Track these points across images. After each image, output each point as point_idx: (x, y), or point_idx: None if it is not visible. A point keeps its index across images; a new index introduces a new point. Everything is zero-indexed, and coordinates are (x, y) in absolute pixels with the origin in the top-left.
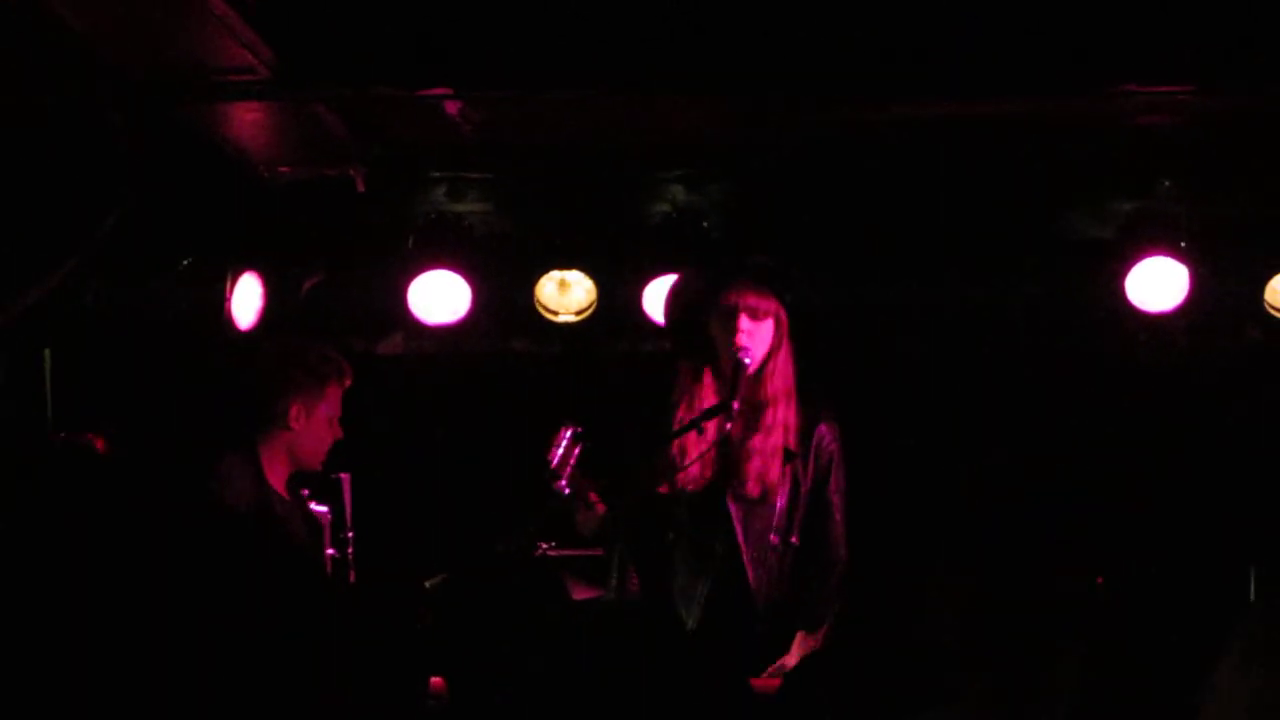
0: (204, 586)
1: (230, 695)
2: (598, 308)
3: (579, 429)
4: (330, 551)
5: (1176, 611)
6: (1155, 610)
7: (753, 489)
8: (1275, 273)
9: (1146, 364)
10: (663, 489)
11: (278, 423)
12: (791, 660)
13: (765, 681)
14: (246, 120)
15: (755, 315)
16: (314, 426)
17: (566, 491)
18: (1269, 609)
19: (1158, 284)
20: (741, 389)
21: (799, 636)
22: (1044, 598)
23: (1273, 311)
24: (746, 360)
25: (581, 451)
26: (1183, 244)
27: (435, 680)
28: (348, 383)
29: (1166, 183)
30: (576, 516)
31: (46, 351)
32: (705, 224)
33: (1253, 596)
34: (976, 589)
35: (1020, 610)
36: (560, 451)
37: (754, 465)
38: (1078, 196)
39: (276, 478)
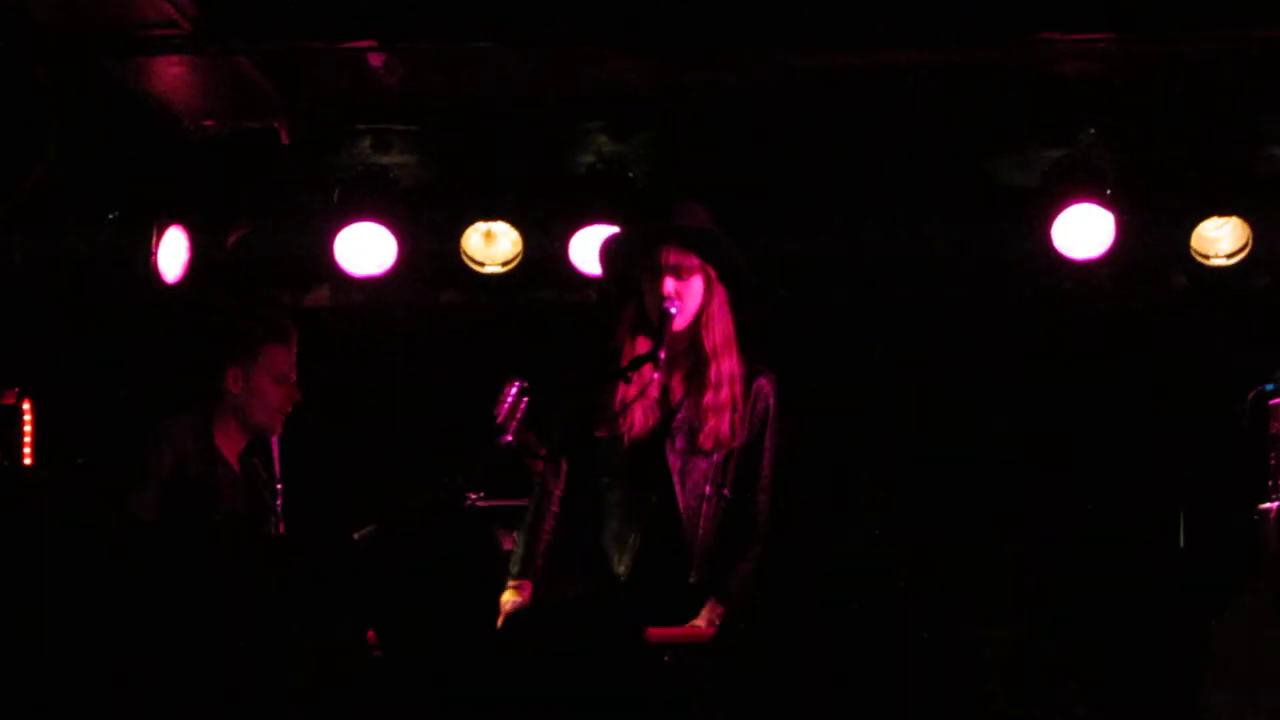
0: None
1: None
2: (524, 258)
3: (525, 384)
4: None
5: (1108, 562)
6: (1087, 560)
7: (706, 443)
8: (1201, 219)
9: (1073, 311)
10: (601, 433)
11: (218, 388)
12: (701, 623)
13: (677, 633)
14: (170, 74)
15: (680, 274)
16: (255, 389)
17: (513, 445)
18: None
19: (1083, 231)
20: (667, 339)
21: (709, 603)
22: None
23: (1198, 258)
24: (673, 310)
25: (527, 406)
26: (1108, 191)
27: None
28: (291, 341)
29: (1091, 130)
30: (531, 466)
31: None
32: (630, 174)
33: (1181, 542)
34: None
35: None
36: (506, 406)
37: (709, 424)
38: (1002, 144)
39: (229, 445)
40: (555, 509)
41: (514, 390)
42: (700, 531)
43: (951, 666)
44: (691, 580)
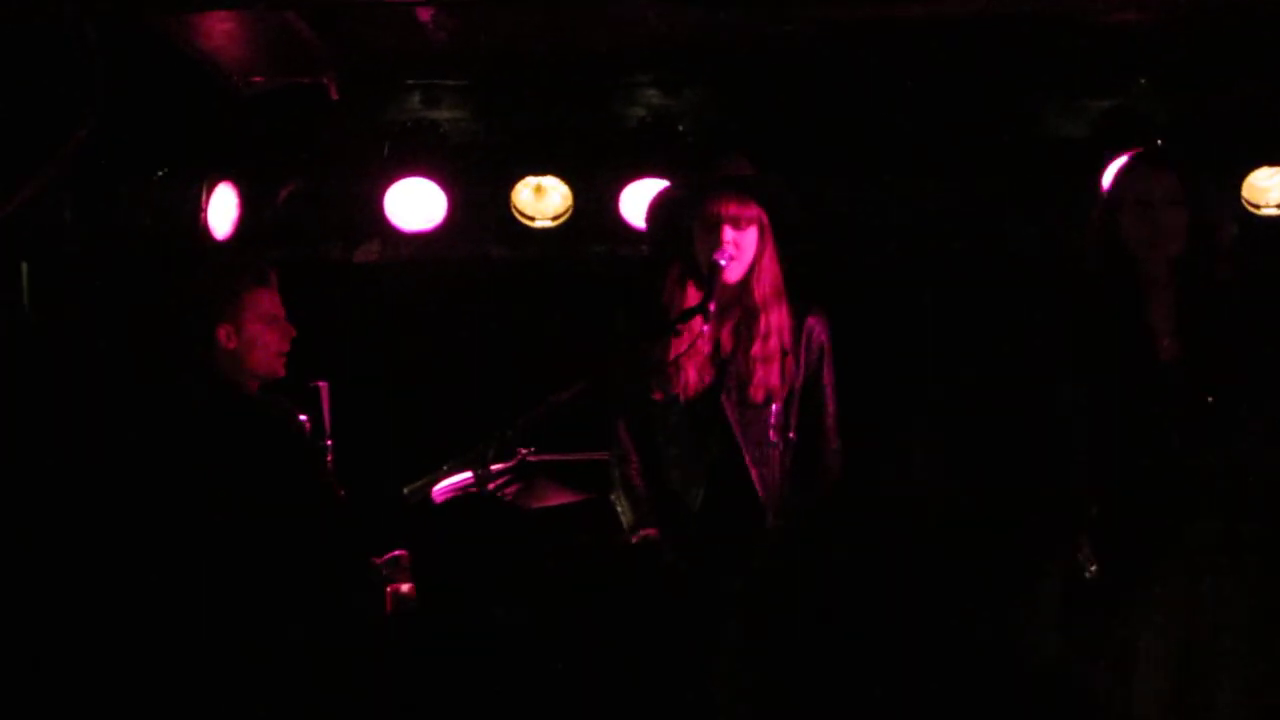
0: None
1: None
2: (574, 213)
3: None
4: None
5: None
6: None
7: (756, 395)
8: (1251, 169)
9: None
10: (657, 395)
11: (211, 351)
12: None
13: None
14: (218, 30)
15: (738, 224)
16: (249, 339)
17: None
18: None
19: None
20: (717, 290)
21: None
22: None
23: (1249, 208)
24: (722, 263)
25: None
26: (1159, 141)
27: (405, 587)
28: (270, 281)
29: (1142, 80)
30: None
31: (24, 265)
32: (680, 128)
33: None
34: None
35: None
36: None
37: (758, 375)
38: (1052, 95)
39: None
40: (638, 468)
41: None
42: (774, 477)
43: (1000, 607)
44: (769, 525)
